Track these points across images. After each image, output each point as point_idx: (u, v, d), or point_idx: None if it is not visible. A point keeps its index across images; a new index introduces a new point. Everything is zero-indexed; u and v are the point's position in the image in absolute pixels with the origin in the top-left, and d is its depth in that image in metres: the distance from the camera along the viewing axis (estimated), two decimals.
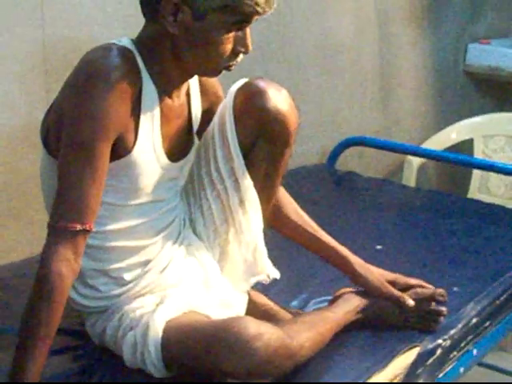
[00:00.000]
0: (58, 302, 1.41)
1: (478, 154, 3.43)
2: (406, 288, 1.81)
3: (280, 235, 1.83)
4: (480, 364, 2.69)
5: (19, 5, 2.12)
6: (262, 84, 1.61)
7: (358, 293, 1.78)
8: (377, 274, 1.80)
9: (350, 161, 3.14)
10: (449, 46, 3.70)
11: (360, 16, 3.22)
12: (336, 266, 1.81)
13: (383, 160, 3.38)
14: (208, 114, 1.68)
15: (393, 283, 1.80)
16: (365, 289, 1.78)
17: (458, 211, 2.56)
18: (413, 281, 1.83)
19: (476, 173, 3.45)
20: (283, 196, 1.80)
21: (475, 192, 3.42)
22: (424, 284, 1.82)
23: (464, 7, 3.74)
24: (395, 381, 1.62)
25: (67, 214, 1.42)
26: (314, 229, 1.80)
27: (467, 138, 3.45)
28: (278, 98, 1.60)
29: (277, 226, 1.81)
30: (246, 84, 1.63)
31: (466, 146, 3.44)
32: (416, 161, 3.21)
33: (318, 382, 1.57)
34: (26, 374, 1.40)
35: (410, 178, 3.22)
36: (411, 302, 1.76)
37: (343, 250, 1.79)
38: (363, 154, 3.23)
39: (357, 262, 1.79)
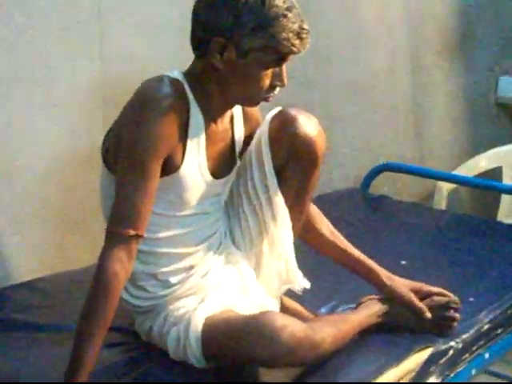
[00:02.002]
0: (112, 296, 1.58)
1: (507, 181, 3.48)
2: (428, 295, 1.95)
3: (312, 249, 1.99)
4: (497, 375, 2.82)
5: (80, 40, 2.31)
6: (293, 112, 1.79)
7: (379, 300, 1.92)
8: (401, 285, 1.94)
9: (382, 186, 3.22)
10: (480, 78, 3.80)
11: (393, 49, 3.35)
12: (364, 277, 1.96)
13: (415, 186, 3.46)
14: (250, 138, 1.85)
15: (416, 292, 1.94)
16: (390, 298, 1.92)
17: (481, 232, 2.68)
18: (435, 289, 1.96)
19: (504, 199, 3.50)
20: (317, 215, 1.96)
21: (503, 217, 3.45)
22: (445, 292, 1.95)
23: (495, 41, 3.84)
24: (409, 376, 1.78)
25: (122, 221, 1.60)
26: (345, 244, 1.96)
27: (496, 165, 3.50)
28: (308, 125, 1.78)
29: (311, 242, 1.97)
30: (279, 112, 1.81)
31: (495, 173, 3.49)
32: (446, 186, 3.26)
33: (320, 383, 1.71)
34: (83, 359, 1.55)
35: (440, 203, 3.26)
36: (428, 315, 1.89)
37: (371, 263, 1.95)
38: (396, 179, 3.31)
39: (383, 273, 1.94)
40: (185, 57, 1.77)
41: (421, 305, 1.92)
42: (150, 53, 2.48)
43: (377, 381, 1.72)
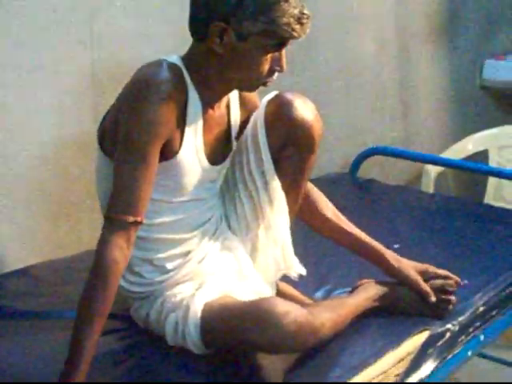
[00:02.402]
0: (112, 283, 1.58)
1: (493, 163, 3.52)
2: (434, 277, 1.95)
3: (313, 232, 1.99)
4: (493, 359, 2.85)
5: (70, 25, 2.30)
6: (290, 96, 1.78)
7: (376, 283, 1.93)
8: (408, 266, 1.94)
9: (371, 169, 3.23)
10: (466, 61, 3.82)
11: (380, 34, 3.36)
12: (370, 259, 1.96)
13: (403, 169, 3.48)
14: (246, 123, 1.84)
15: (422, 273, 1.95)
16: (395, 278, 1.93)
17: (471, 214, 2.69)
18: (440, 271, 1.97)
19: (491, 182, 3.53)
20: (321, 198, 1.96)
21: (490, 200, 3.49)
22: (450, 275, 1.96)
23: (480, 25, 3.86)
24: (408, 358, 1.79)
25: (122, 207, 1.59)
26: (350, 227, 1.96)
27: (483, 148, 3.52)
28: (304, 109, 1.78)
29: (317, 226, 1.97)
30: (276, 96, 1.80)
31: (482, 156, 3.52)
32: (434, 169, 3.29)
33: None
34: (84, 346, 1.54)
35: (428, 186, 3.29)
36: (433, 299, 1.90)
37: (377, 246, 1.95)
38: (384, 163, 3.33)
39: (390, 255, 1.95)
40: (177, 40, 1.79)
41: (426, 287, 1.92)
42: (140, 36, 2.47)
43: (376, 364, 1.74)
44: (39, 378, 1.64)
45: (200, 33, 1.66)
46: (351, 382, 1.69)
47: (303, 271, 1.91)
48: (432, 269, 1.98)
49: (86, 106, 2.37)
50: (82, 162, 2.34)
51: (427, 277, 1.95)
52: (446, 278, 1.96)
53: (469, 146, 3.51)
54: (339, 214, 1.97)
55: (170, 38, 2.45)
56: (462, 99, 3.87)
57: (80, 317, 1.58)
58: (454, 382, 2.74)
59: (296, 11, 1.61)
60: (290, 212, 1.86)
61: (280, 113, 1.78)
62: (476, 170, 3.10)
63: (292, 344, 1.64)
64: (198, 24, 1.65)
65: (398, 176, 3.48)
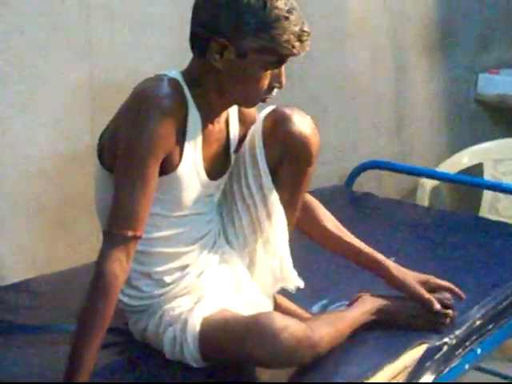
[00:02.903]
0: (111, 297, 1.58)
1: (488, 177, 3.54)
2: (435, 288, 1.96)
3: (310, 245, 2.00)
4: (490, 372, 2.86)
5: (69, 39, 2.32)
6: (287, 110, 1.79)
7: (373, 296, 1.93)
8: (410, 277, 1.95)
9: (366, 183, 3.25)
10: (460, 75, 3.84)
11: (375, 49, 3.38)
12: (372, 269, 1.97)
13: (398, 183, 3.49)
14: (245, 138, 1.85)
15: (423, 283, 1.95)
16: (398, 289, 1.94)
17: (466, 228, 2.70)
18: (442, 282, 1.97)
19: (486, 195, 3.55)
20: (321, 210, 1.97)
21: (485, 213, 3.51)
22: (451, 286, 1.97)
23: (474, 39, 3.89)
24: (405, 372, 1.79)
25: (121, 222, 1.60)
26: (351, 238, 1.97)
27: (478, 162, 3.54)
28: (302, 123, 1.79)
29: (317, 238, 1.98)
30: (273, 110, 1.81)
31: (477, 170, 3.53)
32: (429, 183, 3.31)
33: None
34: (83, 359, 1.54)
35: (423, 200, 3.31)
36: (437, 307, 1.91)
37: (379, 256, 1.96)
38: (379, 176, 3.36)
39: (392, 265, 1.96)
40: (176, 54, 1.79)
41: (429, 296, 1.93)
42: (138, 51, 2.49)
43: (374, 377, 1.74)
44: None
45: (200, 48, 1.66)
46: None
47: (301, 284, 1.91)
48: (433, 279, 1.98)
49: (84, 119, 2.39)
50: (80, 175, 2.35)
51: (429, 287, 1.96)
52: (448, 289, 1.98)
53: (464, 159, 3.54)
54: (339, 224, 1.98)
55: (169, 52, 2.47)
56: (456, 113, 3.89)
57: (79, 330, 1.58)
58: None
59: (296, 28, 1.62)
60: (288, 225, 1.87)
61: (277, 127, 1.79)
62: (471, 183, 3.14)
63: (290, 358, 1.65)
64: (199, 40, 1.66)
65: (394, 189, 3.50)
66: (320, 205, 1.98)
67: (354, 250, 1.96)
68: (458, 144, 3.73)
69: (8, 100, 2.22)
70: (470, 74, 3.90)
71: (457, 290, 1.98)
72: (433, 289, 1.97)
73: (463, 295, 1.99)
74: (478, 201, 3.59)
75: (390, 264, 1.96)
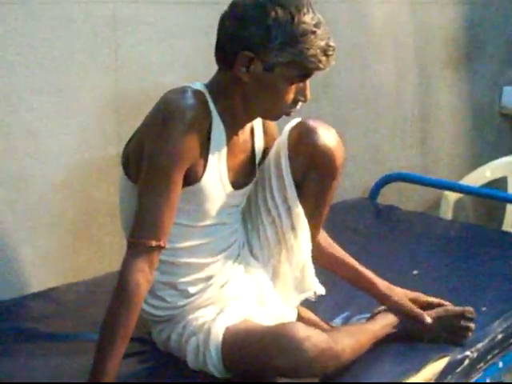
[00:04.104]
0: (135, 306, 1.59)
1: (511, 191, 3.54)
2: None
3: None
4: None
5: (96, 52, 2.34)
6: (312, 123, 1.80)
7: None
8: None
9: (390, 195, 3.25)
10: (485, 88, 3.84)
11: (400, 61, 3.39)
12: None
13: (422, 195, 3.49)
14: (269, 150, 1.86)
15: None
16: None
17: (489, 241, 2.71)
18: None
19: (509, 209, 3.54)
20: None
21: (508, 227, 3.51)
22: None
23: (499, 52, 3.88)
24: None
25: (145, 232, 1.61)
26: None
27: (501, 175, 3.54)
28: (327, 136, 1.80)
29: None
30: (298, 123, 1.82)
31: (501, 183, 3.53)
32: (453, 196, 3.31)
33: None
34: (105, 367, 1.56)
35: (446, 213, 3.31)
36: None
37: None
38: (403, 189, 3.35)
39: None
40: (201, 67, 1.79)
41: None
42: (164, 63, 2.50)
43: None
44: None
45: (226, 61, 1.67)
46: None
47: (322, 291, 1.91)
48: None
49: (109, 130, 2.40)
50: (104, 185, 2.37)
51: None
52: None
53: (487, 172, 3.53)
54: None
55: (193, 65, 2.48)
56: (480, 126, 3.89)
57: (102, 339, 1.60)
58: None
59: (323, 43, 1.63)
60: (312, 237, 1.88)
61: (303, 140, 1.80)
62: (494, 197, 3.14)
63: (313, 369, 1.66)
64: (225, 53, 1.67)
65: (417, 202, 3.50)
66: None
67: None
68: (481, 157, 3.73)
69: (35, 110, 2.24)
70: (495, 86, 3.90)
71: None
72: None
73: (471, 311, 1.97)
74: (501, 214, 3.58)
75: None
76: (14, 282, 2.28)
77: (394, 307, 1.94)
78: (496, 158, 3.63)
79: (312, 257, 1.93)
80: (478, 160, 3.68)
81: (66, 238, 2.38)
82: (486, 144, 3.91)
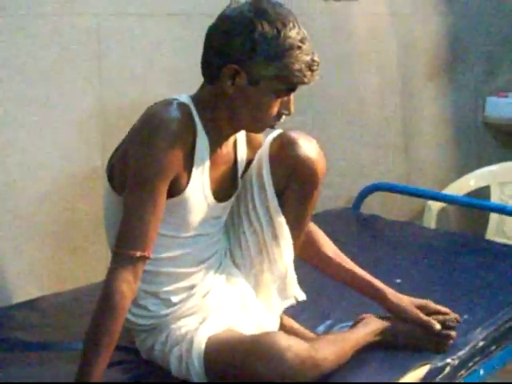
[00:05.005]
0: (119, 316, 1.60)
1: (495, 200, 3.54)
2: (432, 313, 1.98)
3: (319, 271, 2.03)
4: None
5: (79, 63, 2.35)
6: (294, 135, 1.82)
7: (377, 317, 1.95)
8: (407, 301, 1.97)
9: (373, 205, 3.27)
10: (468, 99, 3.88)
11: (383, 72, 3.42)
12: (371, 296, 1.99)
13: (405, 205, 3.51)
14: (251, 163, 1.88)
15: (421, 308, 1.98)
16: (396, 314, 1.96)
17: (473, 250, 2.73)
18: (440, 308, 2.00)
19: (492, 218, 3.56)
20: (321, 237, 2.00)
21: (492, 236, 3.52)
22: (449, 311, 1.99)
23: (482, 62, 3.92)
24: None
25: (130, 242, 1.62)
26: (350, 264, 2.00)
27: (484, 184, 3.56)
28: (308, 147, 1.82)
29: (317, 264, 2.01)
30: (280, 134, 1.84)
31: (484, 192, 3.55)
32: (436, 205, 3.33)
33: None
34: (90, 376, 1.57)
35: (430, 222, 3.33)
36: (438, 327, 1.93)
37: (377, 283, 1.98)
38: (387, 198, 3.37)
39: (389, 291, 1.98)
40: (185, 79, 1.80)
41: (427, 318, 1.95)
42: (148, 75, 2.52)
43: None
44: None
45: (212, 74, 1.69)
46: None
47: (303, 297, 1.93)
48: (432, 304, 2.01)
49: (94, 141, 2.42)
50: (89, 197, 2.38)
51: (427, 312, 1.98)
52: (445, 314, 1.99)
53: (471, 182, 3.55)
54: (339, 252, 2.01)
55: (178, 77, 2.50)
56: (464, 136, 3.92)
57: (87, 348, 1.61)
58: None
59: (308, 58, 1.66)
60: (294, 246, 1.89)
61: (284, 151, 1.82)
62: (478, 206, 3.15)
63: (294, 378, 1.66)
64: (211, 65, 1.69)
65: (401, 211, 3.52)
66: (319, 230, 2.01)
67: (353, 275, 1.99)
68: (465, 166, 3.76)
69: (21, 122, 2.26)
70: (478, 97, 3.94)
71: (455, 314, 2.00)
72: (430, 313, 1.99)
73: (459, 319, 2.00)
74: (484, 223, 3.60)
75: (388, 291, 1.98)
76: None
77: (402, 315, 1.96)
78: (480, 167, 3.65)
79: (318, 267, 2.00)
80: (462, 170, 3.70)
81: (51, 248, 2.40)
82: (469, 153, 3.94)
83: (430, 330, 1.94)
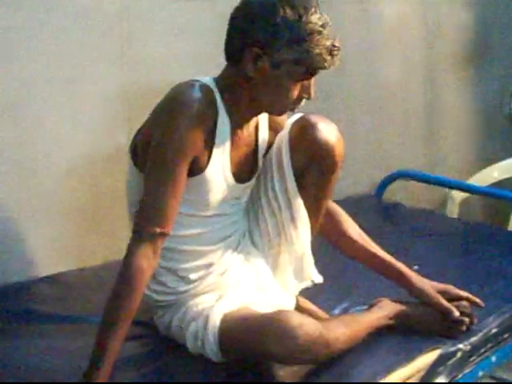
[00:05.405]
0: (137, 290, 1.64)
1: None
2: (455, 298, 2.00)
3: (332, 251, 2.05)
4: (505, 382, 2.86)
5: (106, 44, 2.40)
6: (314, 118, 1.85)
7: (392, 301, 1.98)
8: (429, 286, 2.00)
9: (396, 193, 3.27)
10: (493, 89, 3.86)
11: (409, 60, 3.42)
12: (394, 279, 2.01)
13: (428, 194, 3.50)
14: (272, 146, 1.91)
15: (443, 293, 2.00)
16: (418, 298, 1.98)
17: (492, 240, 2.73)
18: (462, 293, 2.02)
19: None
20: (346, 220, 2.02)
21: None
22: (471, 296, 2.01)
23: (509, 54, 3.90)
24: (417, 375, 1.84)
25: (150, 219, 1.66)
26: (375, 248, 2.02)
27: (508, 176, 3.54)
28: (327, 131, 1.84)
29: (342, 247, 2.03)
30: (300, 118, 1.87)
31: (507, 184, 3.51)
32: (459, 195, 3.33)
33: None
34: (107, 349, 1.61)
35: (452, 212, 3.33)
36: (457, 314, 1.95)
37: (400, 266, 2.00)
38: (409, 187, 3.36)
39: (413, 275, 2.00)
40: (209, 61, 1.83)
41: (448, 305, 1.97)
42: (173, 57, 2.55)
43: (386, 379, 1.78)
44: (64, 378, 1.71)
45: (235, 57, 1.73)
46: None
47: (320, 279, 1.96)
48: (453, 289, 2.03)
49: (119, 119, 2.46)
50: (113, 174, 2.41)
51: (448, 296, 2.00)
52: (467, 299, 2.01)
53: (494, 173, 3.54)
54: (365, 235, 2.02)
55: (202, 59, 2.52)
56: (488, 127, 3.90)
57: (105, 321, 1.65)
58: None
59: (328, 43, 1.69)
60: (311, 229, 1.92)
61: (304, 134, 1.84)
62: (501, 196, 3.13)
63: (305, 355, 1.70)
64: (234, 48, 1.73)
65: (423, 200, 3.50)
66: (344, 213, 2.03)
67: (376, 258, 2.01)
68: (488, 158, 3.74)
69: (45, 100, 2.29)
70: (504, 87, 3.91)
71: (475, 299, 2.02)
72: (452, 298, 2.01)
73: (482, 304, 2.03)
74: (507, 215, 3.57)
75: (411, 274, 2.00)
76: (24, 266, 2.33)
77: (424, 299, 1.98)
78: (504, 158, 3.63)
79: (342, 250, 2.02)
80: (486, 161, 3.69)
81: (76, 224, 2.43)
82: (493, 145, 3.92)
83: (449, 317, 1.96)
